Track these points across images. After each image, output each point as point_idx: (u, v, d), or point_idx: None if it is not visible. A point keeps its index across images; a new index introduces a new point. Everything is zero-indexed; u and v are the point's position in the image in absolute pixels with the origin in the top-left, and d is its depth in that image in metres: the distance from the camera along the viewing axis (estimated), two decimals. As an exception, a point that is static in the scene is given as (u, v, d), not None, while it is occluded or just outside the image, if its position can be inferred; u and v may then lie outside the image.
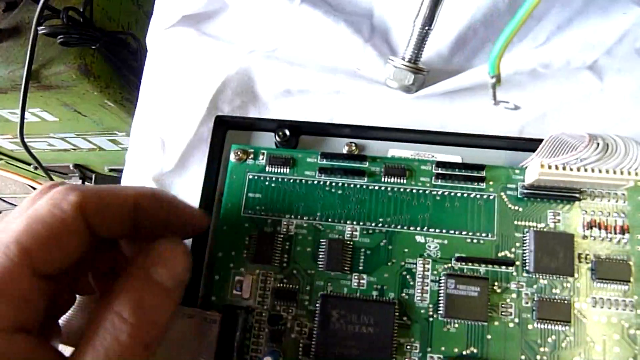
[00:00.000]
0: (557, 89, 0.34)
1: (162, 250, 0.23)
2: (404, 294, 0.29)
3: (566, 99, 0.34)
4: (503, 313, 0.28)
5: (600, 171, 0.27)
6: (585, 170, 0.27)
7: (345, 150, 0.33)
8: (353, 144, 0.33)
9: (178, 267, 0.23)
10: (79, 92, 0.80)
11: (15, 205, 1.40)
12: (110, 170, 1.20)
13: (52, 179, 0.97)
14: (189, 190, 0.34)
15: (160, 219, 0.25)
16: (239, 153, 0.32)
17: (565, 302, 0.28)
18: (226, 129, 0.34)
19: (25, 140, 0.83)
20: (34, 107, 0.85)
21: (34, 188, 1.16)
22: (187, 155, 0.35)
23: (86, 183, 1.22)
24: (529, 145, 0.31)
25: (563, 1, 0.34)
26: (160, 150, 0.35)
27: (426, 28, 0.32)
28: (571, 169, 0.27)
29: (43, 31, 0.66)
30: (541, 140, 0.30)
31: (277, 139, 0.32)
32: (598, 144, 0.27)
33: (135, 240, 0.26)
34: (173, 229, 0.25)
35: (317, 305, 0.28)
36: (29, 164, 1.28)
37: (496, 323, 0.28)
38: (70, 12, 0.68)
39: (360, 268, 0.29)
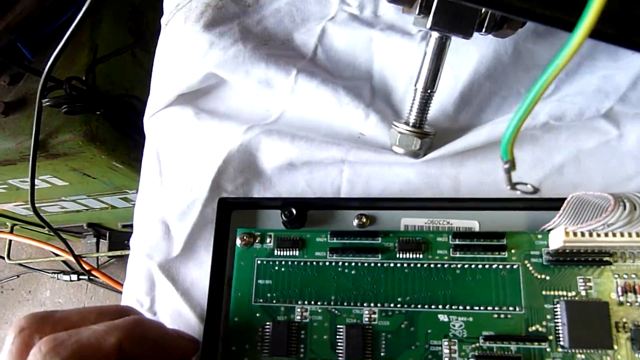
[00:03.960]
0: (573, 140, 0.32)
1: None
2: (431, 381, 0.27)
3: (583, 149, 0.32)
4: (541, 395, 0.26)
5: (630, 235, 0.25)
6: (614, 235, 0.25)
7: (355, 222, 0.31)
8: (363, 217, 0.31)
9: None
10: (87, 157, 0.80)
11: (33, 269, 1.40)
12: (124, 226, 1.21)
13: (65, 242, 0.97)
14: (197, 275, 0.33)
15: (145, 357, 0.24)
16: (245, 237, 0.30)
17: (608, 378, 0.26)
18: (231, 210, 0.33)
19: (37, 205, 0.83)
20: (43, 174, 0.86)
21: (55, 254, 1.16)
22: (193, 239, 0.33)
23: (100, 242, 1.22)
24: (549, 204, 0.29)
25: (568, 47, 0.33)
26: (164, 236, 0.34)
27: (428, 91, 0.30)
28: (598, 235, 0.25)
29: (47, 103, 0.66)
30: (561, 200, 0.28)
31: (284, 218, 0.31)
32: (625, 207, 0.25)
33: None
34: None
35: (340, 399, 0.27)
36: (43, 227, 1.30)
37: (535, 406, 0.26)
38: (72, 82, 0.68)
39: (382, 354, 0.27)
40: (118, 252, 1.17)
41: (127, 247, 1.16)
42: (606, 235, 0.25)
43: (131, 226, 0.35)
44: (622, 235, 0.25)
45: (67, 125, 0.73)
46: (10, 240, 1.24)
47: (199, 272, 0.33)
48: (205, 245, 0.33)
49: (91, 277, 1.35)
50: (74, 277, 1.36)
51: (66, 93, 0.68)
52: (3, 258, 1.34)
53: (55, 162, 0.81)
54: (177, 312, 0.33)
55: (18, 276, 1.45)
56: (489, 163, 0.33)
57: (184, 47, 0.36)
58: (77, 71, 0.73)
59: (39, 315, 0.24)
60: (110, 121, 0.79)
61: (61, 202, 1.12)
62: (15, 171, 0.85)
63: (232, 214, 0.33)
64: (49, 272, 1.37)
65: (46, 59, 0.62)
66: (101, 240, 1.29)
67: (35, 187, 0.82)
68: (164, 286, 0.33)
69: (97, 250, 1.26)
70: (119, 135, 0.81)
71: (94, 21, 0.78)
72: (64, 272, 1.36)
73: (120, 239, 1.23)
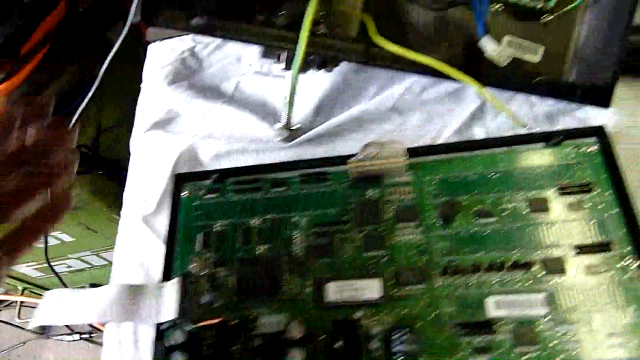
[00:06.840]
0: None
1: None
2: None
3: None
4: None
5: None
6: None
7: (254, 181, 0.54)
8: (258, 177, 0.54)
9: None
10: (92, 211, 1.02)
11: (38, 333, 1.54)
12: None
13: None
14: (164, 224, 0.55)
15: None
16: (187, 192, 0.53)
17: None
18: (182, 181, 0.55)
19: (45, 265, 1.04)
20: (55, 229, 1.07)
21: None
22: (160, 203, 0.56)
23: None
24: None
25: None
26: (144, 202, 0.56)
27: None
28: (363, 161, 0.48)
29: (63, 164, 0.89)
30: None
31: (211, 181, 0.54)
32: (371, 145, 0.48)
33: None
34: None
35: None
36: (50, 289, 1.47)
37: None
38: (81, 149, 0.92)
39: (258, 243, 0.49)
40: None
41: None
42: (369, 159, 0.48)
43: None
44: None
45: (78, 183, 0.96)
46: (21, 302, 1.42)
47: (165, 222, 0.55)
48: (168, 205, 0.56)
49: (91, 335, 1.51)
50: (76, 336, 1.50)
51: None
52: (12, 325, 1.50)
53: (66, 216, 1.02)
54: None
55: (24, 343, 1.60)
56: (330, 145, 0.56)
57: (156, 94, 0.61)
58: (84, 141, 0.97)
59: None
60: (111, 180, 1.02)
61: (68, 260, 1.30)
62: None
63: (182, 185, 0.55)
64: (52, 336, 1.52)
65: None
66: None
67: (48, 244, 1.04)
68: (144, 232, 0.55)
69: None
70: (118, 191, 1.03)
71: (98, 105, 1.03)
72: (66, 334, 1.51)
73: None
